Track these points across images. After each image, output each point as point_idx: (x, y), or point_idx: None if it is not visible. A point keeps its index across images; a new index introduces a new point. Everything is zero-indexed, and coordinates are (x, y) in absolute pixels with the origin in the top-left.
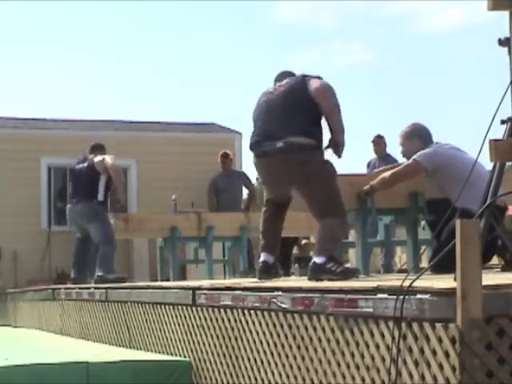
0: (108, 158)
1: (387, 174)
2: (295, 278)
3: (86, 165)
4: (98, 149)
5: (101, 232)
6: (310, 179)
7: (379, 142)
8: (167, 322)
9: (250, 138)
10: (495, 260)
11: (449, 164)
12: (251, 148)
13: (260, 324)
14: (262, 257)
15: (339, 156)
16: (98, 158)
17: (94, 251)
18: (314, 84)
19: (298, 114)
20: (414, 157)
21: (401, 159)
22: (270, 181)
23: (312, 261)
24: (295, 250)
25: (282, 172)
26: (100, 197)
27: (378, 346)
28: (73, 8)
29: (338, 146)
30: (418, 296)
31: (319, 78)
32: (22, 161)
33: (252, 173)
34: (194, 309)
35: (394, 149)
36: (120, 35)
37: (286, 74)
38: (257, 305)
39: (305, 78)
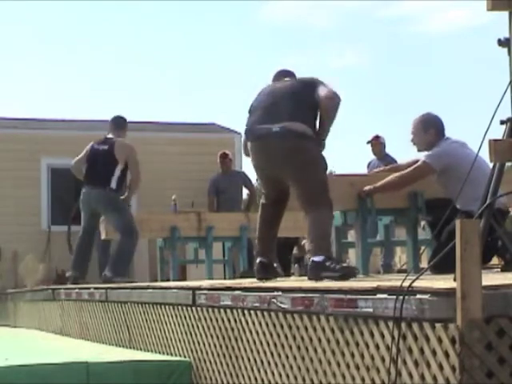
0: (133, 152)
1: (395, 176)
2: (295, 278)
3: (105, 148)
4: (119, 127)
5: (120, 222)
6: (303, 166)
7: (376, 143)
8: (167, 322)
9: (246, 125)
10: (495, 260)
11: (457, 164)
12: (246, 132)
13: (260, 324)
14: (258, 259)
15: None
16: (119, 143)
17: (102, 250)
18: (322, 91)
19: (301, 104)
20: (423, 158)
21: (399, 159)
22: (264, 166)
23: (310, 260)
24: (295, 250)
25: (276, 156)
26: (113, 184)
27: (377, 346)
28: (73, 8)
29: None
30: (418, 296)
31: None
32: (22, 161)
33: (252, 173)
34: (193, 309)
35: (393, 149)
36: (120, 36)
37: (285, 73)
38: (257, 305)
39: (317, 82)
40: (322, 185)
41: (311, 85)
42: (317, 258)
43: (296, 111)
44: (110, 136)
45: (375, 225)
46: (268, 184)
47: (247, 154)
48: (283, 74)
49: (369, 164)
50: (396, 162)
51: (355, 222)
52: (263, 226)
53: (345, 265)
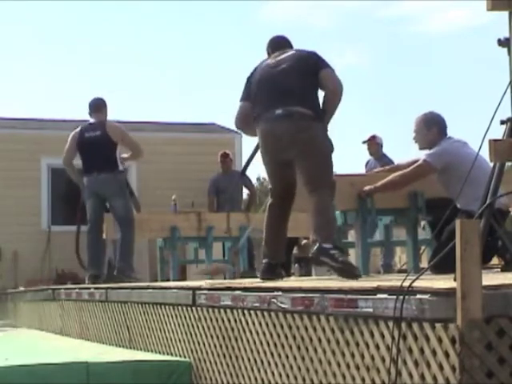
0: (124, 131)
1: (395, 175)
2: (295, 278)
3: (98, 134)
4: (99, 109)
5: (123, 210)
6: (310, 146)
7: (373, 143)
8: (167, 322)
9: (254, 112)
10: (495, 260)
11: (458, 163)
12: (255, 119)
13: (260, 324)
14: (265, 260)
15: None
16: (110, 125)
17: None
18: (328, 79)
19: (301, 86)
20: (424, 157)
21: (399, 159)
22: (271, 150)
23: (318, 244)
24: (295, 250)
25: (282, 136)
26: (120, 166)
27: (377, 347)
28: (73, 8)
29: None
30: (418, 296)
31: (330, 67)
32: (22, 161)
33: (252, 173)
34: (194, 309)
35: (392, 149)
36: (120, 36)
37: (283, 43)
38: (257, 305)
39: (318, 62)
40: (328, 165)
41: (314, 64)
42: (326, 245)
43: (299, 97)
44: (93, 121)
45: (374, 224)
46: (275, 175)
47: (240, 127)
48: (279, 45)
49: (366, 163)
50: (393, 162)
51: (355, 222)
52: (270, 229)
53: (347, 260)
